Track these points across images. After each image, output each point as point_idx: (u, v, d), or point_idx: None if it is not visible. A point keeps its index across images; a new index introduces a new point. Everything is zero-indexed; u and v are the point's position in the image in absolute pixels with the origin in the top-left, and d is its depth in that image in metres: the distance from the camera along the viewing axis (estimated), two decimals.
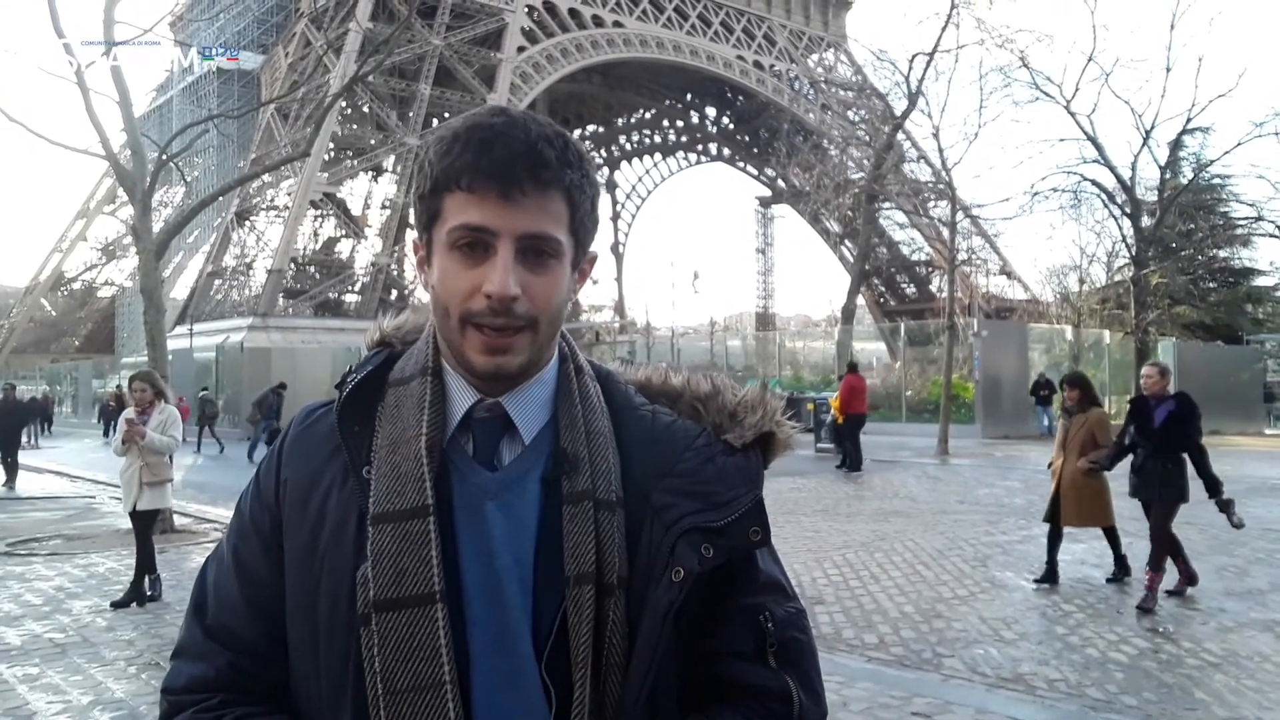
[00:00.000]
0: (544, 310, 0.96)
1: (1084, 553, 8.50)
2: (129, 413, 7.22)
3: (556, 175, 0.95)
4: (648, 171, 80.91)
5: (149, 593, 6.99)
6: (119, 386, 34.53)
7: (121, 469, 7.24)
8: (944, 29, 23.58)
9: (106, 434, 28.60)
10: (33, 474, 17.02)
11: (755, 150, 71.02)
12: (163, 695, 1.02)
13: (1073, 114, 24.49)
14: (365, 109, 53.55)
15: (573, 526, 0.95)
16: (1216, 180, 33.37)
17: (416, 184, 0.99)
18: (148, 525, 7.30)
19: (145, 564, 7.06)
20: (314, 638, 0.96)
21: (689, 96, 73.67)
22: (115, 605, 6.82)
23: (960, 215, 23.86)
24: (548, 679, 0.93)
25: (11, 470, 15.52)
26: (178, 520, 10.47)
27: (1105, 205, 26.56)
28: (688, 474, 1.00)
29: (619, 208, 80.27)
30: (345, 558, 0.95)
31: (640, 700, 0.93)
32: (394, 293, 51.70)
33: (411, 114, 52.06)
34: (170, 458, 7.36)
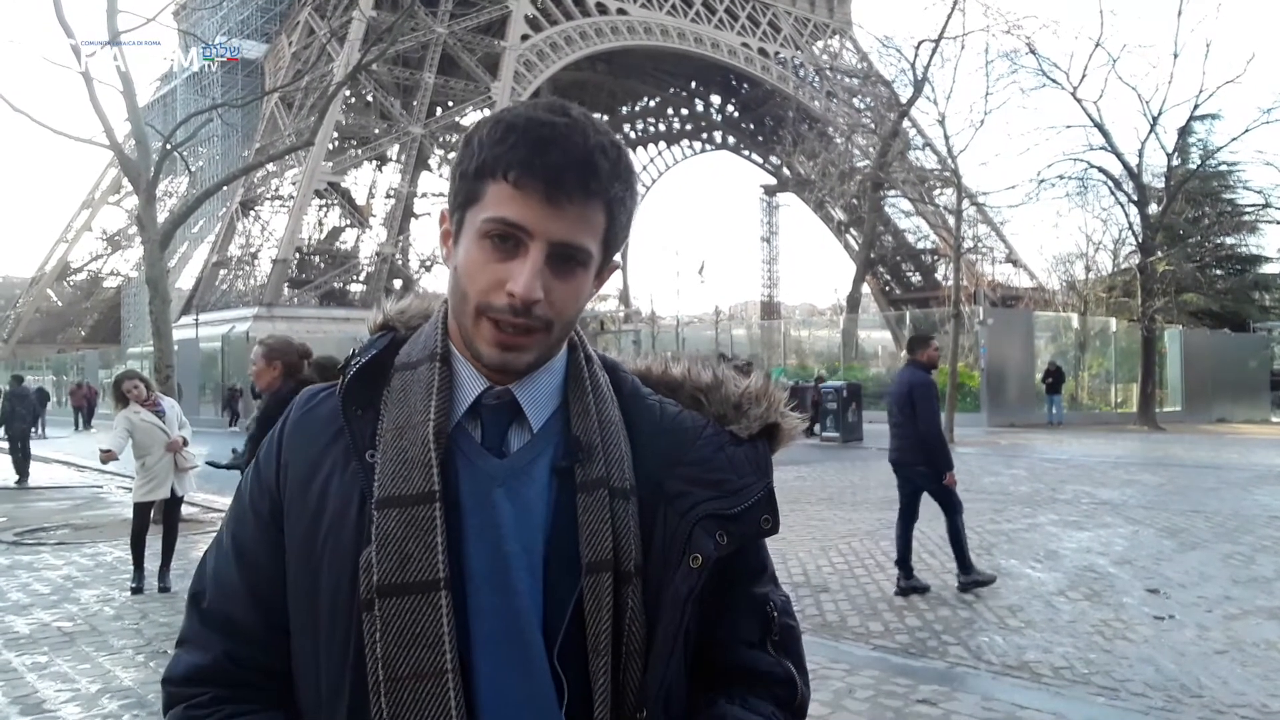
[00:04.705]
0: (561, 315, 0.96)
1: (1089, 540, 8.51)
2: (134, 411, 7.15)
3: (604, 187, 0.94)
4: (652, 160, 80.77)
5: (132, 585, 7.04)
6: (78, 384, 34.61)
7: (151, 461, 7.10)
8: (950, 15, 23.42)
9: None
10: (40, 464, 17.09)
11: (760, 138, 70.82)
12: (163, 685, 1.02)
13: (1079, 100, 24.32)
14: (369, 98, 53.51)
15: (588, 514, 0.95)
16: (1224, 167, 33.25)
17: (460, 158, 0.97)
18: (179, 509, 7.50)
19: (166, 551, 7.22)
20: (314, 623, 0.96)
21: (694, 84, 73.49)
22: (134, 591, 6.95)
23: (966, 203, 23.79)
24: (559, 668, 0.93)
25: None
26: (185, 509, 10.50)
27: (1112, 192, 26.36)
28: (700, 462, 1.01)
29: None
30: (347, 542, 0.95)
31: (662, 686, 0.94)
32: (398, 282, 51.72)
33: (415, 103, 52.03)
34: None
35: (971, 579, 6.69)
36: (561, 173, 0.91)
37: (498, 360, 0.96)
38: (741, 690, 1.01)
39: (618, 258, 1.05)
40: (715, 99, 74.91)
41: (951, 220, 26.32)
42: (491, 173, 0.93)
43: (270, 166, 48.87)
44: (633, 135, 78.95)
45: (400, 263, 53.25)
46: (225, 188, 38.74)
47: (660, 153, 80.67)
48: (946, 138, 21.69)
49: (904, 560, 6.70)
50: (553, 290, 0.94)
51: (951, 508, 6.68)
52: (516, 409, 1.00)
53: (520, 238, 0.93)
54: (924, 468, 6.73)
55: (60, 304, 69.51)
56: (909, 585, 6.64)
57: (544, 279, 0.93)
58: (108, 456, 6.93)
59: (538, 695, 0.92)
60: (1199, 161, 30.07)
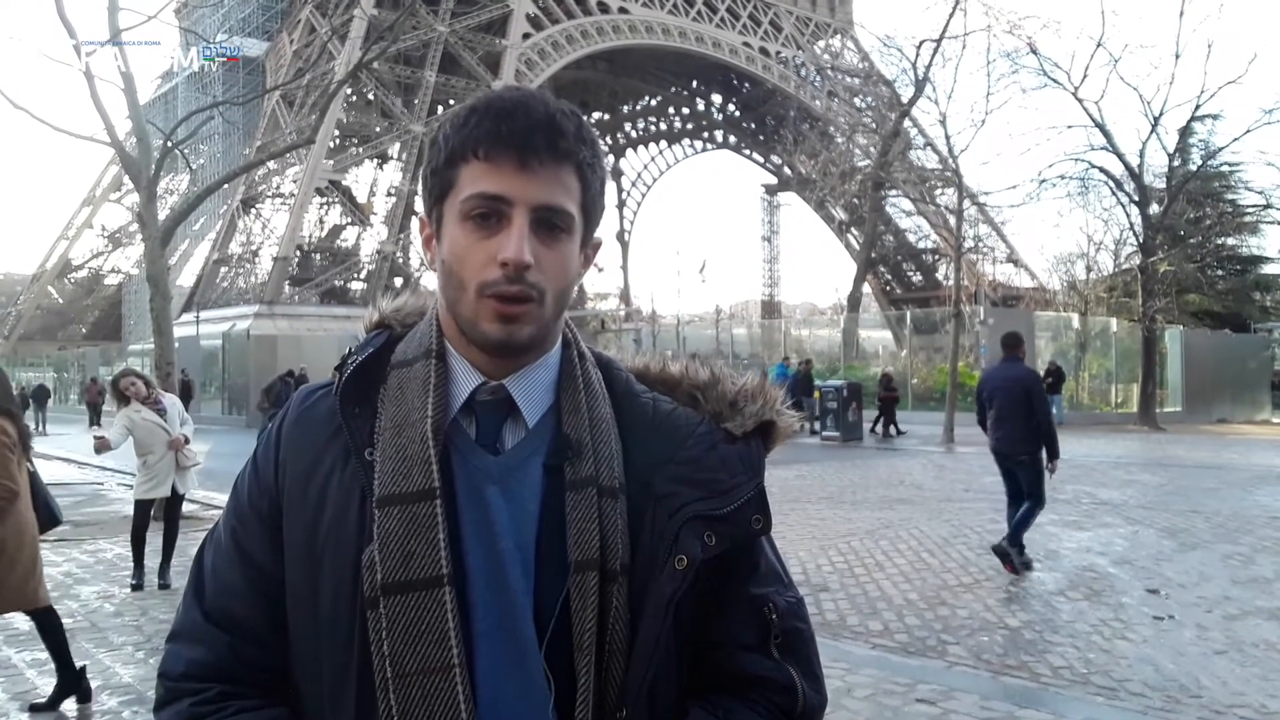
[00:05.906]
0: (554, 282, 0.96)
1: (1089, 540, 8.52)
2: (135, 410, 7.12)
3: (572, 148, 0.96)
4: (653, 159, 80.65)
5: (132, 581, 7.07)
6: (94, 379, 34.60)
7: (153, 459, 7.07)
8: (951, 14, 23.38)
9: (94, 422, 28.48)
10: (40, 461, 17.09)
11: (761, 138, 70.71)
12: (160, 679, 1.01)
13: (1081, 100, 24.31)
14: (370, 96, 53.44)
15: (576, 513, 0.95)
16: (1225, 167, 33.28)
17: (429, 159, 0.99)
18: (180, 507, 7.49)
19: (167, 548, 7.21)
20: (315, 621, 0.96)
21: (695, 83, 73.38)
22: (134, 588, 6.98)
23: (967, 202, 23.79)
24: (546, 665, 0.93)
25: None
26: (186, 507, 10.51)
27: (1113, 193, 26.36)
28: (690, 461, 1.00)
29: (624, 195, 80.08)
30: (348, 540, 0.95)
31: (643, 686, 0.94)
32: (399, 280, 51.70)
33: (416, 101, 51.96)
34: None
35: (1016, 551, 7.15)
36: (529, 136, 0.93)
37: (502, 334, 0.95)
38: (735, 696, 0.99)
39: (600, 235, 1.05)
40: (716, 98, 74.79)
41: (952, 220, 26.32)
42: (462, 155, 0.95)
43: (271, 164, 48.81)
44: (634, 134, 78.85)
45: (401, 261, 53.19)
46: (226, 185, 38.77)
47: (661, 152, 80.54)
48: (947, 137, 21.70)
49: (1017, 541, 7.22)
50: (542, 257, 0.94)
51: (1038, 498, 7.26)
52: (511, 405, 1.00)
53: (501, 209, 0.94)
54: (1025, 456, 7.28)
55: (61, 301, 69.44)
56: (1021, 561, 7.20)
57: (532, 245, 0.93)
58: (101, 445, 6.88)
59: (531, 692, 0.93)
60: (1200, 162, 30.08)
